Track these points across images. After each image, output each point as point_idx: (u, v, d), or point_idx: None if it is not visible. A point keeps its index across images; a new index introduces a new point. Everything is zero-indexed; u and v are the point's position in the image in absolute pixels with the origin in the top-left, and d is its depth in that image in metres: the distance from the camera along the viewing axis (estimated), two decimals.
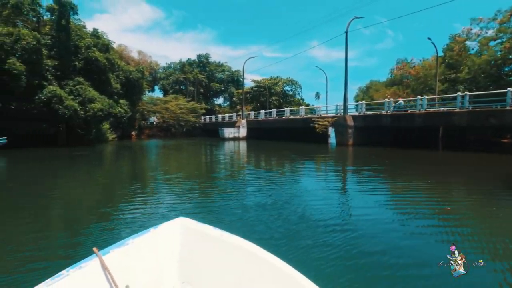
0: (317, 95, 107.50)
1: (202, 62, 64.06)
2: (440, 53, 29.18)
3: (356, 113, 21.41)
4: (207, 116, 45.51)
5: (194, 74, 58.82)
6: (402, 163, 12.64)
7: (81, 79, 23.15)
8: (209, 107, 60.59)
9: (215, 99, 68.13)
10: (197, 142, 31.02)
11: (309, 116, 24.99)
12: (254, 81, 55.77)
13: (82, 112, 22.11)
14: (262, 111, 31.99)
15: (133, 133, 41.42)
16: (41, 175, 10.16)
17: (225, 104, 69.19)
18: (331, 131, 42.44)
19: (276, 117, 29.69)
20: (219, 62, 65.59)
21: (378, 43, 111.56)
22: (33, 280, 1.65)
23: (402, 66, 33.80)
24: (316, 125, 22.37)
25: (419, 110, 17.44)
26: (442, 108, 19.07)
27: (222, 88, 65.48)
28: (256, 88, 54.74)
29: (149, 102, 44.23)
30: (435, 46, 26.17)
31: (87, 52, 23.63)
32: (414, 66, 31.29)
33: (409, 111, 18.77)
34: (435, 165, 12.17)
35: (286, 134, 31.67)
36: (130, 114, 35.47)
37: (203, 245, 1.82)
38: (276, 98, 53.60)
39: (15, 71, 18.23)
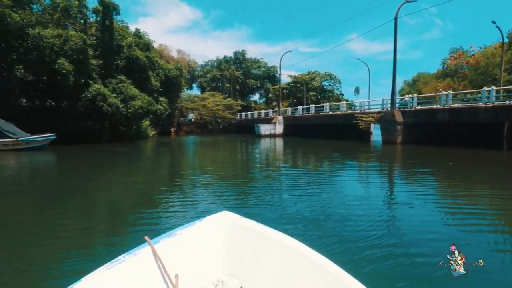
0: (357, 90, 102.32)
1: (239, 59, 64.15)
2: (506, 39, 25.51)
3: (406, 108, 19.35)
4: (243, 113, 45.27)
5: (230, 71, 59.04)
6: (470, 165, 10.80)
7: (123, 77, 23.90)
8: (245, 104, 60.48)
9: (251, 95, 67.97)
10: (233, 139, 30.77)
11: (351, 111, 23.31)
12: (290, 76, 54.38)
13: (123, 110, 22.82)
14: (300, 107, 30.76)
15: (172, 129, 42.60)
16: (89, 169, 10.43)
17: (261, 101, 68.66)
18: (373, 128, 39.95)
19: (315, 113, 28.30)
20: (255, 58, 65.16)
21: (423, 33, 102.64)
22: (91, 265, 1.67)
23: (458, 55, 30.25)
24: (360, 121, 20.70)
25: (485, 104, 15.11)
26: (508, 101, 16.42)
27: (258, 85, 64.98)
28: (292, 84, 53.30)
29: (187, 99, 45.16)
30: (501, 31, 22.86)
31: (129, 51, 24.33)
32: (472, 55, 27.77)
33: (472, 105, 16.43)
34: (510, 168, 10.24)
35: (325, 131, 30.07)
36: (169, 111, 36.41)
37: (248, 240, 1.83)
38: (314, 93, 51.69)
39: (64, 71, 19.19)
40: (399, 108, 19.40)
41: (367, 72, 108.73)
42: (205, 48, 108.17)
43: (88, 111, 21.62)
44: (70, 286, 1.28)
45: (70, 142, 21.05)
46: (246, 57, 64.66)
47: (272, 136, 31.57)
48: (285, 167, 11.07)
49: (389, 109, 19.56)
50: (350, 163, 12.19)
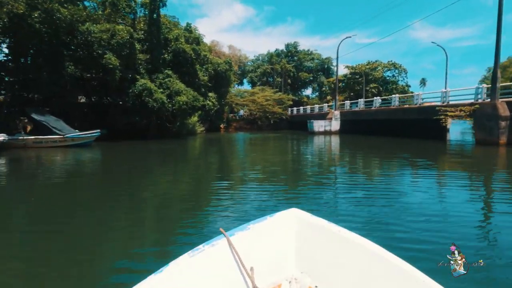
0: (423, 82, 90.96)
1: (290, 52, 61.05)
2: None
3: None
4: (295, 108, 42.31)
5: (281, 64, 56.35)
6: None
7: (170, 72, 23.03)
8: (297, 99, 57.34)
9: (303, 90, 64.48)
10: (284, 136, 28.23)
11: (430, 104, 18.88)
12: (348, 67, 49.43)
13: (169, 105, 21.93)
14: (361, 100, 26.78)
15: (221, 125, 41.77)
16: (132, 170, 9.50)
17: (314, 95, 64.69)
18: (451, 125, 33.54)
19: (379, 107, 24.16)
20: (308, 50, 61.36)
21: (507, 14, 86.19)
22: (175, 253, 1.86)
23: None
24: (443, 116, 16.41)
25: None
26: None
27: (311, 78, 61.16)
28: (350, 76, 48.43)
29: (237, 94, 43.82)
30: None
31: (175, 44, 23.35)
32: None
33: None
34: None
35: (389, 128, 25.71)
36: (217, 107, 35.36)
37: (319, 238, 1.80)
38: (375, 85, 46.17)
39: (111, 66, 18.74)
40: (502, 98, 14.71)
41: (432, 62, 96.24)
42: (257, 45, 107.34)
43: (135, 106, 21.14)
44: (160, 269, 1.38)
45: (118, 138, 20.81)
46: (298, 49, 61.24)
47: (327, 133, 28.21)
48: (349, 181, 8.08)
49: (488, 100, 14.97)
50: (444, 172, 8.70)
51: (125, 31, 19.68)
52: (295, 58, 60.04)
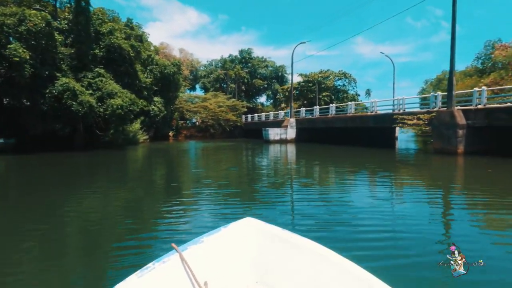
0: (368, 93, 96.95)
1: (244, 58, 59.69)
2: None
3: (470, 107, 14.37)
4: (249, 115, 40.59)
5: (235, 70, 54.60)
6: None
7: (102, 71, 19.51)
8: (251, 106, 55.96)
9: (257, 97, 63.43)
10: (238, 144, 26.10)
11: (388, 112, 18.34)
12: (301, 75, 49.56)
13: (101, 109, 18.39)
14: (317, 107, 25.93)
15: (170, 133, 38.22)
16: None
17: (268, 103, 64.07)
18: (398, 132, 34.67)
19: (335, 114, 23.41)
20: (262, 57, 60.58)
21: (431, 36, 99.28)
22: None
23: (507, 45, 25.11)
24: (402, 124, 15.78)
25: None
26: None
27: (265, 85, 60.41)
28: (303, 83, 48.53)
29: (187, 100, 40.65)
30: None
31: (109, 39, 19.92)
32: None
33: None
34: None
35: (345, 136, 25.24)
36: (165, 113, 32.02)
37: (274, 246, 1.80)
38: (327, 93, 46.84)
39: (17, 58, 14.81)
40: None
41: (374, 75, 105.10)
42: (212, 52, 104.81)
43: (55, 111, 17.23)
44: None
45: (33, 149, 16.67)
46: (252, 56, 60.21)
47: (282, 141, 26.78)
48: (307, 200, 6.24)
49: (443, 108, 14.63)
50: (411, 192, 7.28)
51: (39, 18, 15.89)
52: (249, 64, 58.82)
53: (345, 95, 49.38)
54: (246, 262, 1.82)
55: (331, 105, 24.22)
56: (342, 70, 51.06)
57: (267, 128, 26.78)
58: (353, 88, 51.40)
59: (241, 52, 60.29)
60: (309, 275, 1.58)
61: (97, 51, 19.79)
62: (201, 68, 62.19)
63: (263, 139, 27.56)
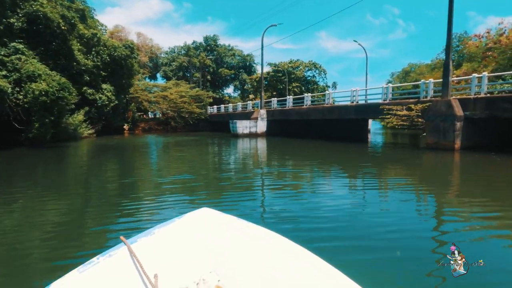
0: (334, 86, 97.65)
1: (210, 45, 55.55)
2: None
3: (469, 95, 12.64)
4: (215, 106, 37.19)
5: (200, 58, 50.55)
6: None
7: (21, 46, 15.12)
8: (218, 96, 52.44)
9: (224, 87, 59.88)
10: (202, 139, 22.89)
11: (373, 102, 16.28)
12: (270, 64, 46.97)
13: (20, 96, 14.19)
14: (290, 97, 23.43)
15: (125, 126, 33.72)
16: None
17: (236, 94, 60.90)
18: (371, 124, 33.57)
19: (311, 105, 21.10)
20: (229, 46, 56.89)
21: (389, 33, 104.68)
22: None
23: (482, 36, 24.57)
24: (391, 116, 13.75)
25: None
26: None
27: (232, 76, 57.10)
28: (273, 73, 45.99)
29: (145, 89, 36.05)
30: None
31: (30, 5, 15.49)
32: (502, 34, 22.18)
33: None
34: None
35: (321, 129, 23.18)
36: (116, 103, 27.63)
37: (229, 235, 1.78)
38: (297, 84, 44.80)
39: None
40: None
41: (337, 70, 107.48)
42: (177, 41, 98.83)
43: None
44: None
45: None
46: (218, 43, 56.26)
47: (252, 135, 24.06)
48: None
49: (434, 97, 12.80)
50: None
51: None
52: (215, 53, 54.89)
53: (315, 86, 47.78)
54: (200, 252, 1.76)
55: (306, 94, 21.85)
56: (312, 61, 49.34)
57: (234, 121, 23.84)
58: (323, 80, 50.04)
59: (206, 39, 56.07)
60: (265, 264, 1.57)
61: (13, 19, 15.29)
62: (162, 55, 57.11)
63: (230, 132, 24.61)
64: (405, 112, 13.17)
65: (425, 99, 13.36)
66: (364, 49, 31.81)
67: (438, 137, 12.20)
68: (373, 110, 15.16)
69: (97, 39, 25.03)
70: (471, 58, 26.17)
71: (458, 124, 11.69)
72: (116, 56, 26.72)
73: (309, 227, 3.70)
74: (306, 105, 21.13)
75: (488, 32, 23.92)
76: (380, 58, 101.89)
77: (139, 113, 42.36)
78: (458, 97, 12.30)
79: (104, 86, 26.49)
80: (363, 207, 4.79)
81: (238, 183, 7.03)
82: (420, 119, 12.74)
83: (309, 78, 49.71)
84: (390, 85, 14.96)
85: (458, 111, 11.74)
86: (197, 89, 37.55)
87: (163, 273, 1.51)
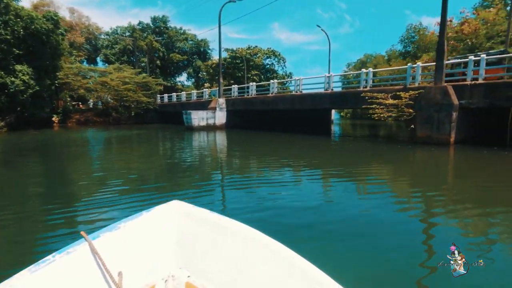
0: (290, 76, 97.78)
1: (159, 28, 49.89)
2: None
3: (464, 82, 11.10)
4: (166, 95, 32.86)
5: (147, 41, 44.97)
6: None
7: None
8: (169, 85, 47.56)
9: (176, 75, 54.82)
10: (151, 133, 19.12)
11: (352, 90, 14.24)
12: (227, 50, 43.52)
13: None
14: (253, 84, 20.61)
15: (54, 118, 27.94)
16: None
17: (190, 83, 56.29)
18: (334, 114, 32.45)
19: (278, 93, 18.59)
20: (181, 29, 51.77)
21: (338, 27, 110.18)
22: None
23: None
24: (376, 106, 11.79)
25: None
26: None
27: (185, 62, 52.33)
28: (230, 60, 42.68)
29: (79, 73, 30.06)
30: None
31: None
32: (465, 22, 22.02)
33: None
34: None
35: (283, 120, 21.02)
36: (36, 89, 22.17)
37: (200, 229, 1.69)
38: (256, 72, 42.21)
39: None
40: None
41: (292, 62, 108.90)
42: (121, 24, 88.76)
43: None
44: None
45: None
46: (168, 26, 50.75)
47: (210, 128, 20.91)
48: None
49: (423, 83, 11.12)
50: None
51: None
52: (165, 36, 49.46)
53: (275, 75, 45.68)
54: (169, 247, 1.66)
55: (272, 81, 19.23)
56: (271, 48, 46.98)
57: (189, 111, 20.40)
58: (283, 68, 48.14)
59: (154, 20, 50.16)
60: (234, 258, 1.51)
61: None
62: (103, 37, 49.98)
63: (184, 125, 21.14)
64: (392, 101, 11.28)
65: (412, 86, 11.61)
66: (327, 35, 30.19)
67: (431, 130, 10.52)
68: (352, 99, 13.14)
69: (5, 5, 19.38)
70: (427, 49, 26.03)
71: (454, 115, 10.10)
72: (34, 30, 21.23)
73: None
74: (272, 93, 18.56)
75: (450, 21, 23.65)
76: (332, 51, 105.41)
77: (74, 103, 36.08)
78: (453, 83, 10.69)
79: (18, 67, 20.93)
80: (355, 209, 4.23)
81: (198, 195, 5.17)
82: (410, 109, 10.94)
83: (268, 66, 47.43)
84: (371, 69, 13.03)
85: (455, 99, 10.12)
86: (143, 74, 32.71)
87: (128, 270, 1.41)
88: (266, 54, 45.81)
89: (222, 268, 1.52)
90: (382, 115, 11.45)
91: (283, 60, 47.47)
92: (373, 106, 11.74)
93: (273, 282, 1.35)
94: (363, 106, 12.13)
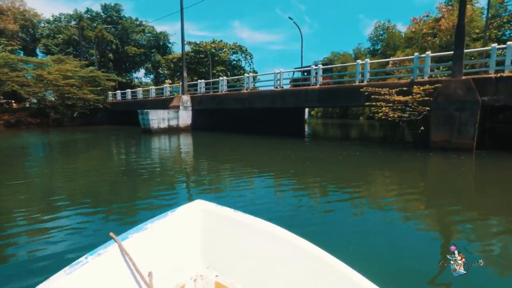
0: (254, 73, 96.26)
1: (111, 17, 44.50)
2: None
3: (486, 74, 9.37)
4: (118, 92, 28.48)
5: (97, 31, 39.67)
6: None
7: None
8: (125, 81, 42.62)
9: (133, 71, 49.66)
10: (98, 139, 15.35)
11: (349, 85, 12.03)
12: (190, 43, 39.86)
13: None
14: (224, 79, 17.66)
15: None
16: None
17: (148, 80, 51.43)
18: (307, 113, 30.67)
19: (253, 90, 15.93)
20: (137, 19, 46.78)
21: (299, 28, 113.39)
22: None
23: (419, 20, 23.55)
24: (382, 104, 9.67)
25: None
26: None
27: (143, 57, 47.51)
28: (193, 54, 39.11)
29: (3, 64, 24.46)
30: None
31: None
32: (442, 17, 21.31)
33: None
34: None
35: (264, 120, 18.57)
36: None
37: (226, 228, 1.68)
38: (222, 68, 39.12)
39: None
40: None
41: (254, 61, 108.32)
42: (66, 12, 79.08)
43: None
44: None
45: None
46: (122, 16, 45.42)
47: (172, 130, 17.68)
48: None
49: (431, 77, 9.27)
50: None
51: None
52: (119, 27, 44.24)
53: (242, 71, 42.96)
54: (196, 247, 1.67)
55: (247, 75, 16.47)
56: (237, 43, 44.13)
57: (146, 111, 16.93)
58: (250, 65, 45.47)
59: (105, 8, 44.55)
60: (260, 256, 1.50)
61: None
62: (42, 25, 43.28)
63: (141, 127, 17.62)
64: (402, 98, 9.23)
65: (421, 80, 9.69)
66: (298, 27, 28.29)
67: (450, 133, 8.64)
68: (346, 96, 10.94)
69: None
70: (396, 47, 25.26)
71: (477, 115, 8.29)
72: None
73: None
74: (247, 89, 15.84)
75: (427, 15, 22.88)
76: (293, 51, 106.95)
77: (4, 101, 30.12)
78: (472, 77, 8.89)
79: None
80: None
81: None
82: (426, 107, 8.96)
83: (234, 62, 44.52)
84: (368, 60, 10.95)
85: (474, 94, 8.32)
86: (91, 68, 27.97)
87: (157, 270, 1.43)
88: (233, 49, 42.90)
89: (250, 267, 1.50)
90: (389, 115, 9.36)
91: (250, 56, 44.92)
92: (378, 104, 9.61)
93: (304, 282, 1.32)
94: (366, 103, 9.97)
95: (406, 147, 9.97)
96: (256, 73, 45.16)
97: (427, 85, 8.86)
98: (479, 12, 20.88)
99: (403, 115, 9.23)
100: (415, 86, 9.03)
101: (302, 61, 29.99)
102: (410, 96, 9.02)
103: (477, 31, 20.06)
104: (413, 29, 23.41)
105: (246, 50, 44.19)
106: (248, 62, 45.17)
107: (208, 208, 1.75)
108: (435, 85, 8.83)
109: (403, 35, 30.87)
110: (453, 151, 8.42)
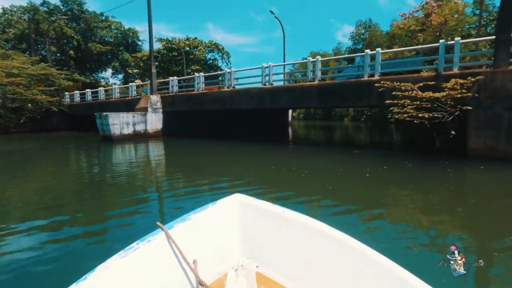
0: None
1: (72, 10, 40.05)
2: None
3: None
4: (77, 92, 24.78)
5: (55, 25, 35.40)
6: None
7: None
8: (88, 81, 38.53)
9: (99, 71, 45.36)
10: (43, 150, 12.17)
11: (353, 80, 9.88)
12: (161, 40, 36.65)
13: None
14: (201, 75, 15.07)
15: None
16: None
17: (117, 80, 47.26)
18: (290, 115, 28.60)
19: (235, 88, 13.48)
20: (102, 14, 42.62)
21: (272, 32, 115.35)
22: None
23: (407, 16, 22.36)
24: (407, 102, 7.61)
25: None
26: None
27: (110, 56, 43.47)
28: (164, 51, 35.96)
29: None
30: None
31: None
32: (432, 13, 20.17)
33: None
34: None
35: (247, 124, 16.26)
36: None
37: (264, 221, 1.70)
38: (197, 67, 36.21)
39: None
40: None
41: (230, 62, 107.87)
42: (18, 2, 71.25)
43: None
44: (85, 276, 1.16)
45: None
46: (85, 9, 41.04)
47: (139, 137, 14.82)
48: None
49: (460, 69, 7.42)
50: None
51: None
52: (81, 22, 39.92)
53: (219, 71, 40.28)
54: (237, 238, 1.72)
55: (228, 70, 14.00)
56: (212, 41, 41.40)
57: (105, 114, 13.92)
58: (227, 64, 42.87)
59: (64, 0, 39.97)
60: (304, 249, 1.51)
61: None
62: None
63: (100, 133, 14.59)
64: (434, 94, 7.22)
65: (449, 72, 7.78)
66: (280, 22, 26.43)
67: (495, 139, 6.75)
68: (353, 92, 8.85)
69: None
70: (379, 45, 24.02)
71: None
72: None
73: None
74: (228, 87, 13.35)
75: (417, 11, 21.68)
76: (267, 54, 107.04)
77: None
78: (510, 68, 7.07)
79: None
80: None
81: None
82: (462, 106, 7.02)
83: (210, 61, 41.75)
84: (379, 50, 8.96)
85: None
86: (42, 64, 24.09)
87: (201, 258, 1.48)
88: (208, 47, 40.12)
89: (290, 260, 1.52)
90: (414, 116, 7.33)
91: (227, 55, 42.33)
92: (401, 102, 7.56)
93: (344, 274, 1.32)
94: (387, 102, 7.87)
95: (437, 157, 8.02)
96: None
97: (469, 77, 6.92)
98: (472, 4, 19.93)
99: (435, 115, 7.24)
100: (452, 79, 7.06)
101: (284, 58, 28.15)
102: (444, 93, 7.05)
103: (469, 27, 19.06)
104: (402, 25, 22.13)
105: (223, 48, 41.59)
106: (225, 61, 42.61)
107: (246, 201, 1.79)
108: (477, 77, 6.91)
109: (385, 34, 30.06)
110: (499, 162, 6.56)
